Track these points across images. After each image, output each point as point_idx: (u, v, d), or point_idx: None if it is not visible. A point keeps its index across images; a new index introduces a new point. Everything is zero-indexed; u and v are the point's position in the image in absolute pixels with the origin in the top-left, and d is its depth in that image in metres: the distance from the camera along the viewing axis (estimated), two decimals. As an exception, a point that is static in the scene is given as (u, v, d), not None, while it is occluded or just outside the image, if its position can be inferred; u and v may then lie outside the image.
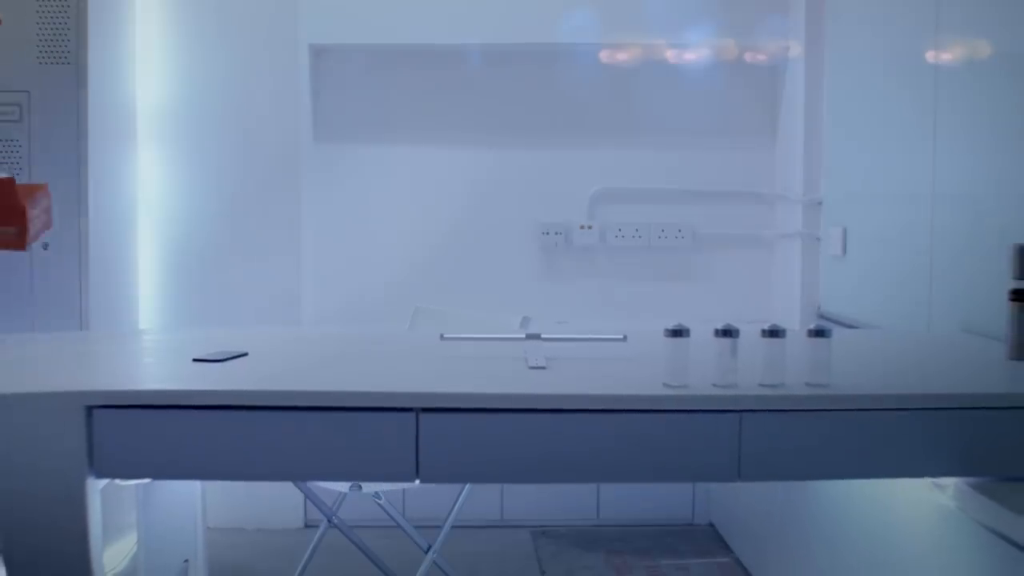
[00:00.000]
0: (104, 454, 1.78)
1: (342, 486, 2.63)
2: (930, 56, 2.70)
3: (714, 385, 1.80)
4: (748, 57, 3.73)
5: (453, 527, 2.78)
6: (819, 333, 1.81)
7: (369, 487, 2.60)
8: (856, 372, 2.05)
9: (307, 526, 3.66)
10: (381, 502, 2.66)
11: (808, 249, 3.59)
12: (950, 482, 1.80)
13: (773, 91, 3.77)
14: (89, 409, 1.77)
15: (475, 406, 1.77)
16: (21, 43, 3.14)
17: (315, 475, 2.19)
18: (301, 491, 2.81)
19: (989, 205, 2.45)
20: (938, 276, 2.66)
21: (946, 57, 2.64)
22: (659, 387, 1.80)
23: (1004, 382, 1.97)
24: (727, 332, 1.79)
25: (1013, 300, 2.04)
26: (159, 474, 1.94)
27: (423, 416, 1.77)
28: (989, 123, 2.45)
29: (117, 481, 1.95)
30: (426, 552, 2.74)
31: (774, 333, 1.80)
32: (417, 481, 1.78)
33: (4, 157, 3.18)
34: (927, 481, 1.87)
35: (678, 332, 1.80)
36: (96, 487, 1.82)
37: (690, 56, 3.71)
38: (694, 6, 3.65)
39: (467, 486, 2.77)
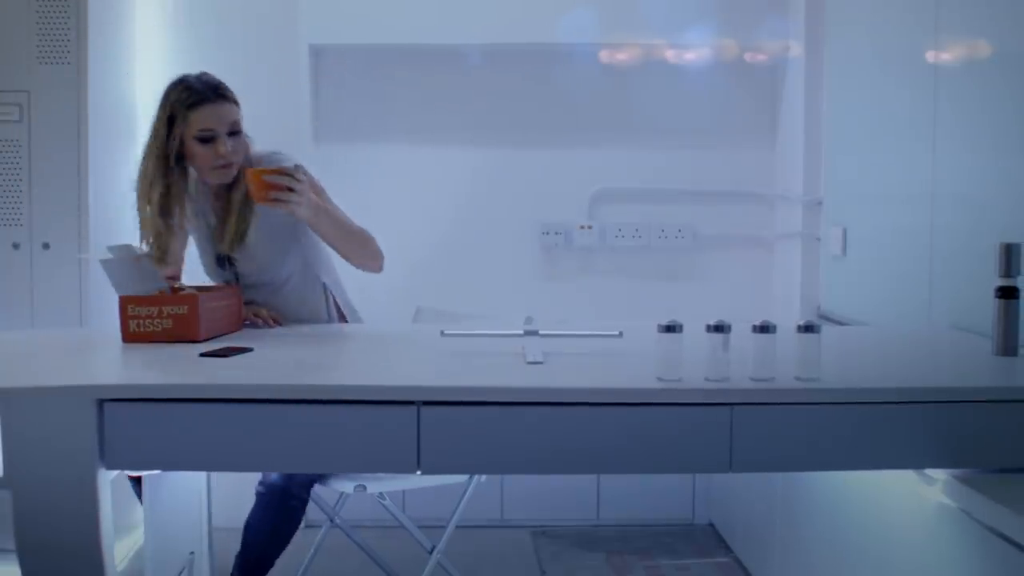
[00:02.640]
0: (115, 447, 1.82)
1: (346, 486, 2.63)
2: (930, 56, 2.70)
3: (706, 379, 1.82)
4: (748, 57, 3.73)
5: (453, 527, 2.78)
6: (808, 329, 1.84)
7: (374, 487, 2.60)
8: (846, 367, 2.08)
9: (308, 526, 3.65)
10: (385, 503, 2.66)
11: (808, 249, 3.60)
12: (941, 476, 1.83)
13: (773, 91, 3.78)
14: (100, 403, 1.81)
15: (475, 399, 1.80)
16: (21, 43, 3.15)
17: (319, 467, 2.22)
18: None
19: (988, 205, 2.45)
20: (938, 276, 2.66)
21: (946, 57, 2.64)
22: (653, 381, 1.83)
23: (989, 376, 2.00)
24: (719, 328, 1.82)
25: (999, 297, 2.08)
26: (168, 466, 1.97)
27: (424, 409, 1.80)
28: (988, 123, 2.46)
29: (127, 473, 1.97)
30: (430, 553, 2.74)
31: (764, 329, 1.84)
32: (419, 472, 1.80)
33: (4, 157, 3.18)
34: (919, 476, 1.89)
35: (671, 328, 1.83)
36: (107, 478, 1.85)
37: (690, 56, 3.72)
38: (694, 6, 3.65)
39: (471, 486, 2.78)
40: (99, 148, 3.24)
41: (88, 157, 3.17)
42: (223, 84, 2.53)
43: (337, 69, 3.78)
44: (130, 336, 2.29)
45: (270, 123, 3.62)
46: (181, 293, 2.40)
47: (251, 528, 2.60)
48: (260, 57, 3.64)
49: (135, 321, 2.28)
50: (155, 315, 2.28)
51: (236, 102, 2.53)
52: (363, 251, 2.51)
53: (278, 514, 2.55)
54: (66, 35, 3.15)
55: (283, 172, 2.27)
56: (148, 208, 2.49)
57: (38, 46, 3.15)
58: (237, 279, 2.61)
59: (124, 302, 2.29)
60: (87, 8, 3.14)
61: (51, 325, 3.10)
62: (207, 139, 2.45)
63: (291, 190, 2.28)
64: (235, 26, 3.64)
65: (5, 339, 2.46)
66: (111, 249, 2.43)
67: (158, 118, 2.48)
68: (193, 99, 2.45)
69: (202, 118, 2.45)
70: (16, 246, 3.18)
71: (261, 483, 2.58)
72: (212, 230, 2.59)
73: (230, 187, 2.52)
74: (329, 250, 2.68)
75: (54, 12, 3.15)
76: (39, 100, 3.16)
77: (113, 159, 3.41)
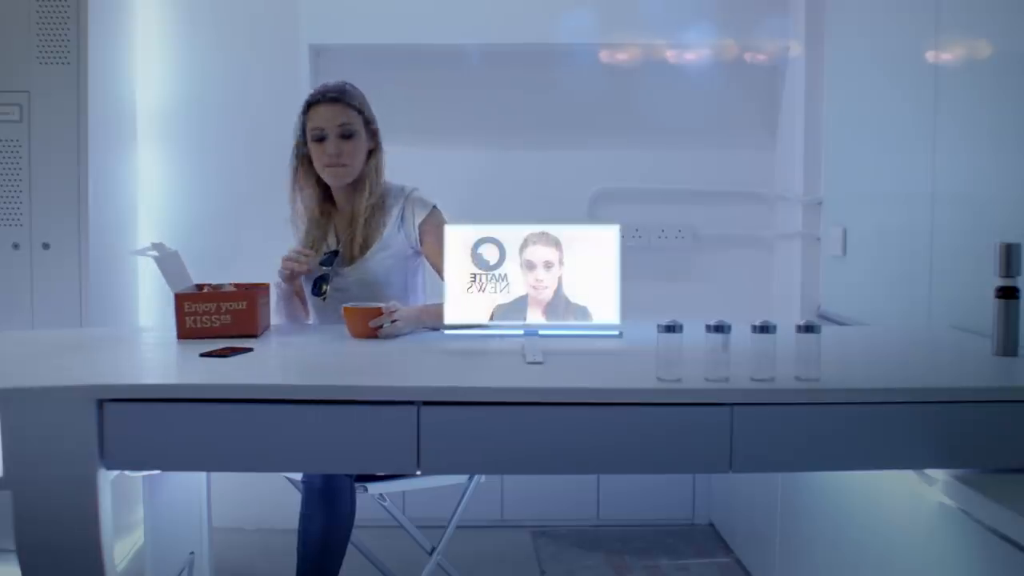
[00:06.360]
0: (115, 446, 1.82)
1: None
2: (930, 56, 2.70)
3: (706, 379, 1.82)
4: (748, 57, 3.73)
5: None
6: (808, 329, 1.84)
7: (374, 488, 2.60)
8: (846, 367, 2.08)
9: (307, 526, 3.65)
10: (386, 503, 2.66)
11: (808, 249, 3.60)
12: (941, 476, 1.83)
13: (773, 91, 3.78)
14: (100, 403, 1.81)
15: (474, 399, 1.81)
16: (21, 43, 3.15)
17: (320, 467, 2.21)
18: (300, 492, 2.80)
19: (988, 205, 2.45)
20: (938, 276, 2.66)
21: (946, 57, 2.64)
22: (653, 381, 1.83)
23: (988, 377, 2.01)
24: (719, 328, 1.82)
25: (999, 297, 2.09)
26: (168, 466, 1.97)
27: (424, 409, 1.80)
28: (988, 123, 2.46)
29: (127, 473, 1.97)
30: (430, 553, 2.74)
31: (764, 329, 1.84)
32: (419, 472, 1.80)
33: (4, 157, 3.18)
34: (919, 476, 1.89)
35: (671, 328, 1.83)
36: (107, 478, 1.85)
37: (690, 56, 3.72)
38: (694, 6, 3.65)
39: (471, 486, 2.78)
40: (99, 148, 3.25)
41: (88, 157, 3.17)
42: (346, 89, 2.64)
43: (337, 69, 3.76)
44: (186, 332, 2.33)
45: (270, 123, 3.65)
46: (227, 291, 2.43)
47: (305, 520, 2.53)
48: (260, 57, 3.64)
49: (192, 318, 2.33)
50: (212, 311, 2.33)
51: (355, 107, 2.63)
52: None
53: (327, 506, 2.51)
54: (66, 35, 3.15)
55: (379, 312, 2.38)
56: (299, 201, 2.69)
57: (38, 46, 3.15)
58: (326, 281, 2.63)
59: (180, 299, 2.34)
60: (87, 8, 3.14)
61: (51, 325, 3.10)
62: (319, 138, 2.60)
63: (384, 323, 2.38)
64: (235, 26, 3.64)
65: (5, 339, 2.46)
66: (156, 247, 2.46)
67: (298, 118, 2.65)
68: (311, 99, 2.62)
69: (315, 117, 2.60)
70: (16, 246, 3.19)
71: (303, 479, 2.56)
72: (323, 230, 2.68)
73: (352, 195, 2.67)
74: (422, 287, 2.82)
75: (54, 12, 3.15)
76: (39, 100, 3.16)
77: (113, 159, 3.42)
